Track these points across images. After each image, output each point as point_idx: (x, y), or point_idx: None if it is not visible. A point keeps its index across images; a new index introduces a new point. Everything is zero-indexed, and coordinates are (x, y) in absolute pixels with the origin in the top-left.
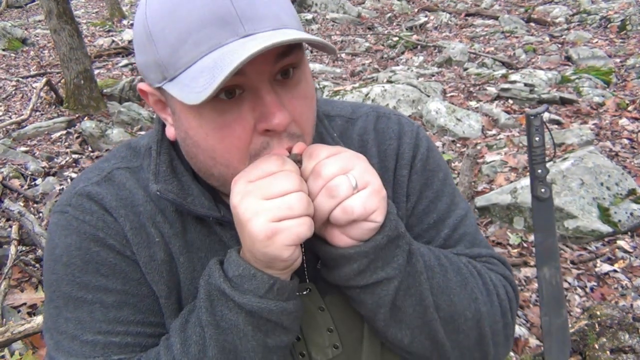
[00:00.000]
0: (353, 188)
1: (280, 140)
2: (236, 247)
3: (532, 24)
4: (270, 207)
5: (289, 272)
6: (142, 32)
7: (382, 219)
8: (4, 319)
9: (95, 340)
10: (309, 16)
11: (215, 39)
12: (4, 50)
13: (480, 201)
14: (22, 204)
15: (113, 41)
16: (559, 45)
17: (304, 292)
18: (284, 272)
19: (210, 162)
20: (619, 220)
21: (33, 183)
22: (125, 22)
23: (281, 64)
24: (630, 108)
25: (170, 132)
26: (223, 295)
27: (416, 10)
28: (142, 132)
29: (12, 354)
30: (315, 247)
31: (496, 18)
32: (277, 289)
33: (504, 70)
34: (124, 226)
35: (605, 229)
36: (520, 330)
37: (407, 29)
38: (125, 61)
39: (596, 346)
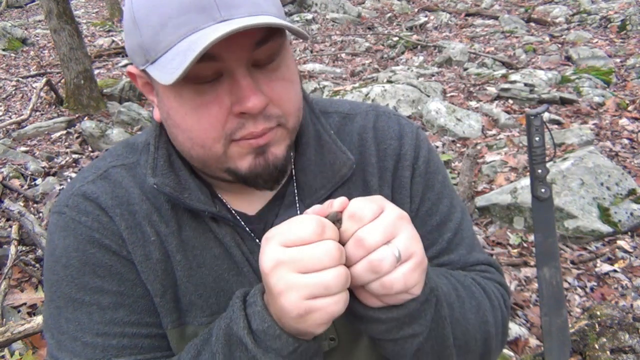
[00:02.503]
0: (397, 261)
1: (255, 122)
2: (260, 289)
3: (532, 24)
4: (305, 283)
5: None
6: (129, 17)
7: (420, 291)
8: (4, 319)
9: (94, 342)
10: (309, 16)
11: (192, 23)
12: (4, 50)
13: (480, 201)
14: (22, 204)
15: (113, 41)
16: (559, 45)
17: None
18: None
19: (188, 143)
20: (619, 220)
21: (33, 183)
22: None
23: (260, 52)
24: (630, 108)
25: (156, 114)
26: (245, 348)
27: (416, 10)
28: None
29: (12, 354)
30: None
31: (496, 18)
32: (301, 352)
33: (504, 70)
34: (119, 225)
35: (605, 229)
36: (520, 330)
37: (407, 29)
38: (125, 61)
39: (596, 346)
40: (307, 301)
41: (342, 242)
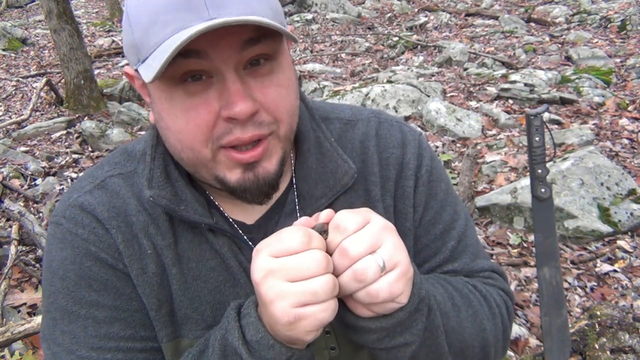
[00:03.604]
0: (381, 270)
1: (244, 127)
2: (254, 301)
3: (532, 24)
4: (294, 291)
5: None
6: (125, 16)
7: (407, 300)
8: (4, 319)
9: (89, 356)
10: (309, 16)
11: (180, 22)
12: (4, 50)
13: (480, 201)
14: (22, 204)
15: (113, 41)
16: (559, 45)
17: None
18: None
19: (179, 145)
20: (619, 220)
21: (33, 183)
22: None
23: (249, 52)
24: (630, 108)
25: (152, 115)
26: (240, 358)
27: (416, 10)
28: (142, 132)
29: (12, 354)
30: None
31: (496, 18)
32: None
33: (504, 70)
34: (116, 238)
35: (605, 229)
36: (520, 330)
37: (407, 29)
38: (125, 61)
39: (596, 346)
40: (296, 309)
41: (329, 253)
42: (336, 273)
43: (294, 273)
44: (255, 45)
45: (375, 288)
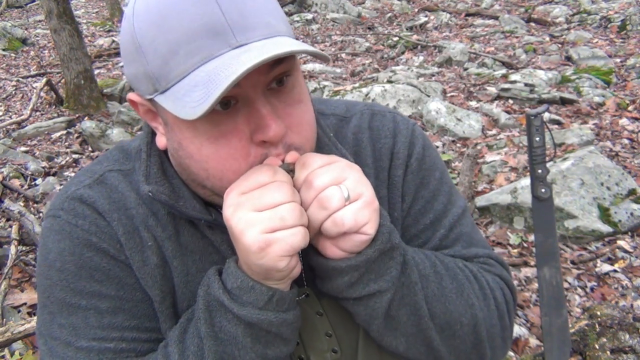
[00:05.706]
0: (345, 199)
1: (276, 150)
2: (234, 257)
3: (532, 24)
4: (262, 218)
5: (288, 281)
6: (130, 43)
7: (374, 232)
8: (4, 319)
9: (89, 346)
10: (309, 16)
11: (207, 50)
12: (4, 50)
13: (480, 201)
14: (22, 204)
15: (113, 41)
16: (559, 45)
17: (302, 297)
18: (282, 282)
19: (203, 174)
20: (619, 220)
21: (33, 183)
22: None
23: (274, 72)
24: (630, 108)
25: (161, 141)
26: (222, 306)
27: (416, 10)
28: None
29: (12, 354)
30: (308, 257)
31: (496, 18)
32: (276, 300)
33: (504, 70)
34: (117, 230)
35: (606, 229)
36: (520, 330)
37: (407, 29)
38: None
39: (596, 346)
40: (265, 234)
41: (297, 190)
42: (304, 207)
43: (260, 202)
44: (279, 65)
45: (340, 215)
